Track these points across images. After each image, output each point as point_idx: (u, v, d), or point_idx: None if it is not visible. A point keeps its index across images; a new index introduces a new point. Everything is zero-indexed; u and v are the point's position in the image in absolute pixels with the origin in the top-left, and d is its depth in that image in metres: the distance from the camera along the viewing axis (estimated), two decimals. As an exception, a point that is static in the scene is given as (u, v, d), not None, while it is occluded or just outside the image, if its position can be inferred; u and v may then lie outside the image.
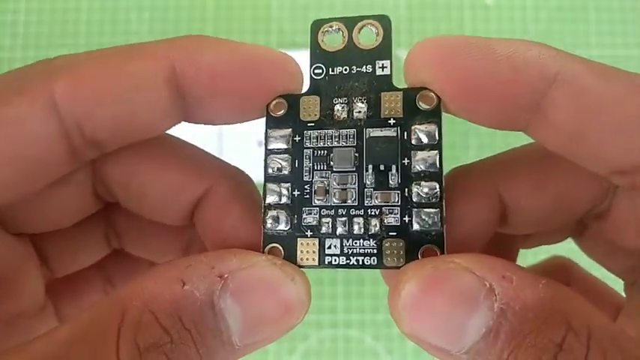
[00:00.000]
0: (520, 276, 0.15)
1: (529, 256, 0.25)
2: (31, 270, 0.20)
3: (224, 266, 0.16)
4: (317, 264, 0.18)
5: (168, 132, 0.20)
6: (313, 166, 0.18)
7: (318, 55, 0.19)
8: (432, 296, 0.15)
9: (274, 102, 0.18)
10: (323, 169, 0.18)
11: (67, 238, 0.21)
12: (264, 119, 0.19)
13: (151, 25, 0.48)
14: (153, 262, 0.24)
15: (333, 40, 0.19)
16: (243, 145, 0.45)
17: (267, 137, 0.19)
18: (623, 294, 0.23)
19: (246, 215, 0.19)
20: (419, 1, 0.48)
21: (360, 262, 0.18)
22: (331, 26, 0.19)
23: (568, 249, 0.24)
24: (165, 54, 0.17)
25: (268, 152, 0.18)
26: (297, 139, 0.18)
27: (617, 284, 0.24)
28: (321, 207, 0.18)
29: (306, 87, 0.19)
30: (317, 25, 0.19)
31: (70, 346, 0.14)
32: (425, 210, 0.17)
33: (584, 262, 0.25)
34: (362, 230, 0.18)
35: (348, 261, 0.18)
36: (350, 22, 0.19)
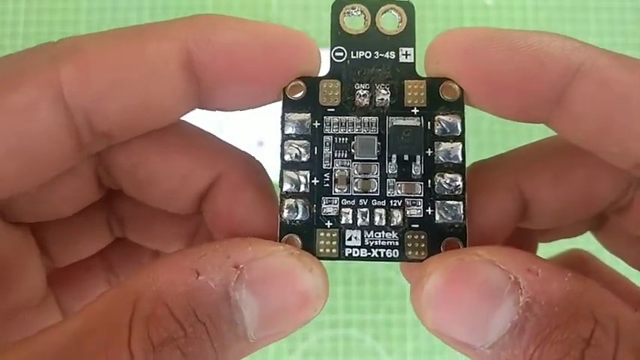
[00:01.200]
0: (545, 269, 0.15)
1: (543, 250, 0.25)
2: (31, 260, 0.19)
3: (240, 256, 0.15)
4: (337, 256, 0.17)
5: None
6: (333, 153, 0.17)
7: (340, 37, 0.18)
8: (456, 289, 0.15)
9: (292, 84, 0.18)
10: (344, 157, 0.17)
11: (68, 226, 0.20)
12: (277, 104, 0.18)
13: (151, 25, 0.48)
14: (157, 250, 0.23)
15: (354, 23, 0.18)
16: (242, 146, 0.45)
17: (283, 121, 0.18)
18: None
19: (257, 204, 0.19)
20: (419, 2, 0.48)
21: (382, 255, 0.17)
22: (353, 8, 0.18)
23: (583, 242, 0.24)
24: (179, 35, 0.16)
25: (285, 137, 0.18)
26: (316, 124, 0.17)
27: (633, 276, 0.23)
28: (341, 197, 0.17)
29: (324, 70, 0.18)
30: (339, 6, 0.18)
31: (79, 340, 0.14)
32: (448, 202, 0.17)
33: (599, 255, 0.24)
34: (384, 221, 0.17)
35: (370, 253, 0.17)
36: (373, 6, 0.18)
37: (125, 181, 0.19)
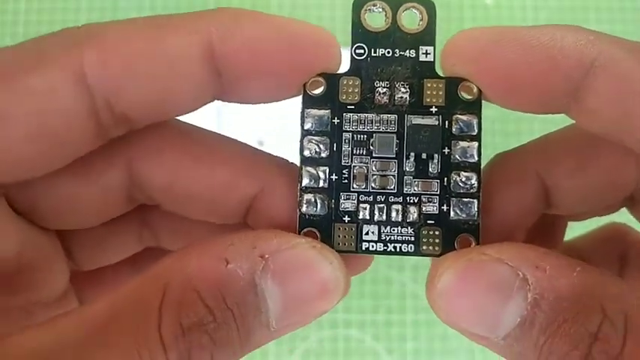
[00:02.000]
0: (554, 265, 0.15)
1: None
2: (57, 264, 0.20)
3: (265, 246, 0.16)
4: (354, 249, 0.18)
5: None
6: (352, 150, 0.18)
7: (361, 34, 0.18)
8: (466, 287, 0.16)
9: (312, 80, 0.18)
10: (362, 154, 0.18)
11: (95, 235, 0.21)
12: (293, 100, 0.18)
13: (151, 25, 0.49)
14: None
15: (375, 20, 0.18)
16: None
17: (303, 117, 0.18)
18: None
19: None
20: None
21: (398, 249, 0.18)
22: (374, 5, 0.18)
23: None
24: (203, 28, 0.17)
25: (305, 133, 0.18)
26: (335, 121, 0.18)
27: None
28: (359, 192, 0.18)
29: (344, 67, 0.18)
30: (360, 3, 0.18)
31: (106, 323, 0.14)
32: (463, 200, 0.18)
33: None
34: (400, 217, 0.18)
35: (386, 247, 0.18)
36: (394, 3, 0.18)
37: (161, 197, 0.19)
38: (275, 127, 0.44)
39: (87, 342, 0.14)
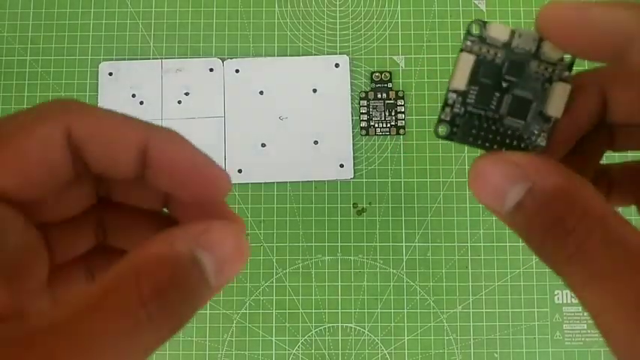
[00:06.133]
0: (549, 169, 0.20)
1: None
2: (42, 257, 0.22)
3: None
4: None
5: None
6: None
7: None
8: (487, 174, 0.20)
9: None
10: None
11: (67, 229, 0.23)
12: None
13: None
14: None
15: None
16: (246, 146, 0.46)
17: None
18: None
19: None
20: (416, 10, 0.49)
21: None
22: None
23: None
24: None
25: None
26: None
27: None
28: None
29: None
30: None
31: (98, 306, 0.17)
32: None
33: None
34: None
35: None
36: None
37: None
38: (275, 132, 0.45)
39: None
